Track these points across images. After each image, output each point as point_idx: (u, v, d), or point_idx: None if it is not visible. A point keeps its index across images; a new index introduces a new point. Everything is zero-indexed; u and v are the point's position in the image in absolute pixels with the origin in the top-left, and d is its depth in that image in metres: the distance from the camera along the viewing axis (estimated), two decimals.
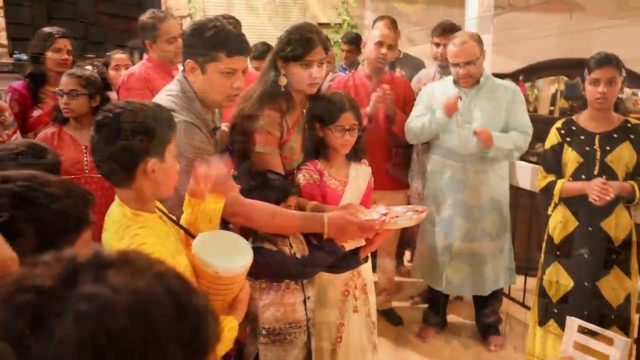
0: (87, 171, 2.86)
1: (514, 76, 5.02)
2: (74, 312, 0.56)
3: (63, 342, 0.54)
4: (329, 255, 2.17)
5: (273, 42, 4.48)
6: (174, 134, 1.66)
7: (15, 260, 0.98)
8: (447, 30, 3.86)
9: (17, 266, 0.97)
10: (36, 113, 3.33)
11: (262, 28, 5.35)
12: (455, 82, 3.44)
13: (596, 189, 2.78)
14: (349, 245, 2.23)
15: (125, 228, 1.54)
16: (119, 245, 1.51)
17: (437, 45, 3.92)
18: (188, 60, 2.11)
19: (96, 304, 0.57)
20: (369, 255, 2.36)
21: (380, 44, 3.60)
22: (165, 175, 1.61)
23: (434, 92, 3.50)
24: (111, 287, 0.59)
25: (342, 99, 2.43)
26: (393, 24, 4.23)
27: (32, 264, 0.63)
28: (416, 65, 4.57)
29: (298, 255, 2.25)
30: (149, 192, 1.61)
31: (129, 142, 1.52)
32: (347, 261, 2.24)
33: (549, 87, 5.58)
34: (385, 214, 2.14)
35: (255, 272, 2.08)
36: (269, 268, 2.17)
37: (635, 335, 2.93)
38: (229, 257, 1.67)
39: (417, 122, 3.43)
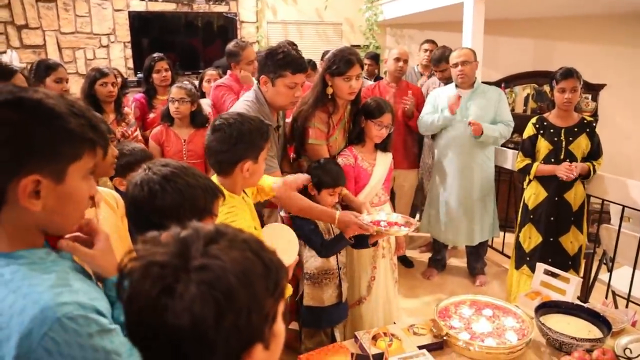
0: (185, 158, 2.85)
1: (497, 83, 4.93)
2: (195, 280, 0.57)
3: (193, 299, 0.56)
4: (339, 243, 2.13)
5: (316, 59, 4.48)
6: (268, 143, 1.58)
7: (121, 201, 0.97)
8: (445, 59, 3.62)
9: (122, 203, 0.96)
10: (151, 116, 3.37)
11: (309, 48, 5.28)
12: (457, 86, 3.37)
13: (565, 170, 2.76)
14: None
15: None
16: None
17: (441, 71, 3.74)
18: (262, 75, 2.10)
19: (209, 273, 0.58)
20: None
21: (397, 59, 3.58)
22: (255, 173, 1.57)
23: (439, 95, 3.44)
24: (217, 258, 0.59)
25: (387, 104, 2.42)
26: (432, 43, 4.17)
27: (149, 241, 0.63)
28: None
29: (333, 229, 2.23)
30: (240, 183, 1.58)
31: (236, 145, 1.49)
32: (361, 243, 2.13)
33: (523, 92, 5.45)
34: (385, 220, 2.13)
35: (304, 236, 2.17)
36: (308, 239, 2.20)
37: (582, 274, 2.90)
38: (283, 249, 1.55)
39: (427, 118, 3.38)
